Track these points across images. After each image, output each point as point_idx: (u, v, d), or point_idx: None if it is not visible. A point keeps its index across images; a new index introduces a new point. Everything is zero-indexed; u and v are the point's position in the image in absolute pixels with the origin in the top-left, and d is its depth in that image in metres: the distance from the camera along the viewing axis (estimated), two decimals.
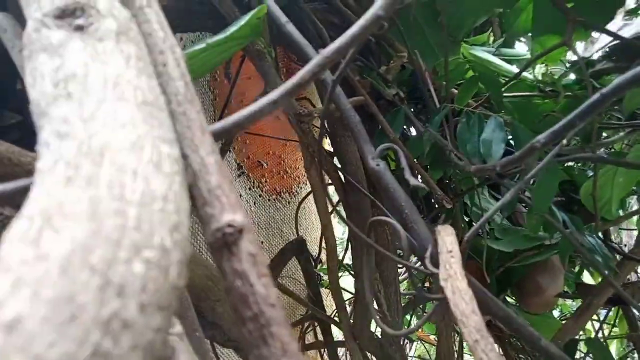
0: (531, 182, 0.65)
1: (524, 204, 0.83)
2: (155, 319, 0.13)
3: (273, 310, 0.19)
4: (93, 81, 0.20)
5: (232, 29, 0.43)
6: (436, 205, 1.00)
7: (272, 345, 0.19)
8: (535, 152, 0.38)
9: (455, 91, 0.73)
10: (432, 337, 1.35)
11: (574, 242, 0.64)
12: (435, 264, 0.40)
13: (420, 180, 0.58)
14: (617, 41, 0.84)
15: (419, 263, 0.52)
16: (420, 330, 1.33)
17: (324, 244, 1.09)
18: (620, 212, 0.91)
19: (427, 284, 1.09)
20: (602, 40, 0.96)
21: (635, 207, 0.99)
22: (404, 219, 0.47)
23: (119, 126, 0.18)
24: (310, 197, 1.19)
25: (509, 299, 0.96)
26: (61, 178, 0.15)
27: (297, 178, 1.25)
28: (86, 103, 0.19)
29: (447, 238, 0.38)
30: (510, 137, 0.68)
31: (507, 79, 0.75)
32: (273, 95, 0.27)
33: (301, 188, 1.26)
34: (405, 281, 1.14)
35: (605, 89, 0.35)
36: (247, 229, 0.21)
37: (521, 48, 1.02)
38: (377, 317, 0.76)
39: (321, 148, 0.82)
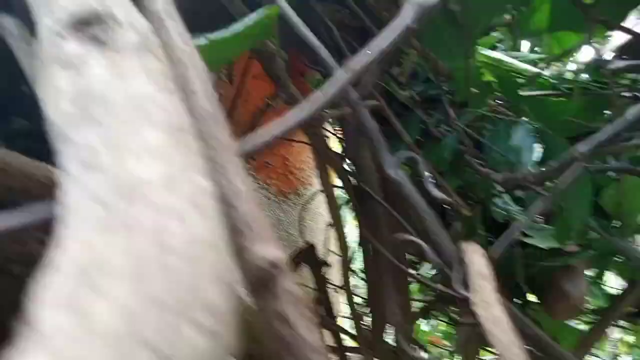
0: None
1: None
2: None
3: (319, 357, 0.18)
4: (115, 101, 0.19)
5: (238, 26, 0.42)
6: (445, 214, 0.98)
7: None
8: (574, 163, 0.37)
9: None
10: (444, 341, 1.35)
11: (618, 245, 0.63)
12: (462, 283, 0.39)
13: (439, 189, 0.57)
14: (630, 39, 0.83)
15: (435, 275, 0.50)
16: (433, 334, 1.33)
17: (331, 248, 1.08)
18: None
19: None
20: (614, 40, 0.95)
21: None
22: (425, 231, 0.46)
23: (149, 156, 0.16)
24: (317, 199, 1.18)
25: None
26: (95, 222, 0.13)
27: (303, 179, 1.23)
28: (110, 127, 0.17)
29: (476, 258, 0.36)
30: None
31: (523, 80, 0.74)
32: (302, 114, 0.26)
33: (307, 190, 1.25)
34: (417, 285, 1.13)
35: None
36: (284, 264, 0.19)
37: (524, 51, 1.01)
38: (392, 325, 0.75)
39: (331, 150, 0.80)
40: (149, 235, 0.13)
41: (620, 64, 0.86)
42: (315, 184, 1.23)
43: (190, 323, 0.12)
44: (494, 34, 0.90)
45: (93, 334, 0.10)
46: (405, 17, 0.26)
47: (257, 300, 0.19)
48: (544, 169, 0.44)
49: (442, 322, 1.27)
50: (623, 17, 0.68)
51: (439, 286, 0.42)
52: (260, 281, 0.19)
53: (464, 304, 0.35)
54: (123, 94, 0.20)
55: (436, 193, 0.41)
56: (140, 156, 0.16)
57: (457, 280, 0.38)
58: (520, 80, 0.75)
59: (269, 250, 0.19)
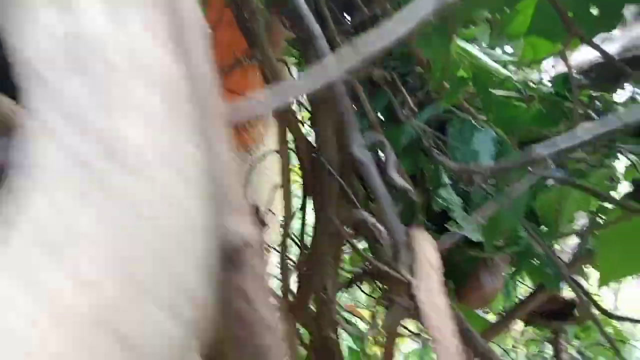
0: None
1: None
2: None
3: (273, 335, 0.17)
4: (109, 50, 0.17)
5: None
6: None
7: None
8: (534, 163, 0.38)
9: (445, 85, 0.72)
10: (361, 310, 1.42)
11: (540, 248, 0.66)
12: (407, 267, 0.40)
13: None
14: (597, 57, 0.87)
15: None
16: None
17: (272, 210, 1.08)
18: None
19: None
20: (577, 54, 0.98)
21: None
22: (379, 212, 0.46)
23: (140, 117, 0.14)
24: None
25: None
26: (68, 181, 0.12)
27: (255, 137, 1.21)
28: (100, 79, 0.15)
29: (426, 246, 0.37)
30: None
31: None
32: (296, 91, 0.24)
33: (259, 148, 1.23)
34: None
35: (629, 120, 0.35)
36: (255, 243, 0.19)
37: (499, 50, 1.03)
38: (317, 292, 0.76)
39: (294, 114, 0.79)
40: (129, 204, 0.12)
41: (582, 81, 0.90)
42: (268, 143, 1.21)
43: (167, 310, 0.11)
44: (473, 28, 0.90)
45: (52, 313, 0.09)
46: (422, 6, 0.25)
47: (221, 273, 0.18)
48: (499, 164, 0.45)
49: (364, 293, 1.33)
50: (596, 34, 0.70)
51: (383, 265, 0.42)
52: (229, 257, 0.18)
53: (404, 287, 0.36)
54: (119, 44, 0.17)
55: (400, 182, 0.41)
56: (131, 117, 0.15)
57: (404, 263, 0.39)
58: (493, 79, 0.76)
59: (244, 226, 0.19)
